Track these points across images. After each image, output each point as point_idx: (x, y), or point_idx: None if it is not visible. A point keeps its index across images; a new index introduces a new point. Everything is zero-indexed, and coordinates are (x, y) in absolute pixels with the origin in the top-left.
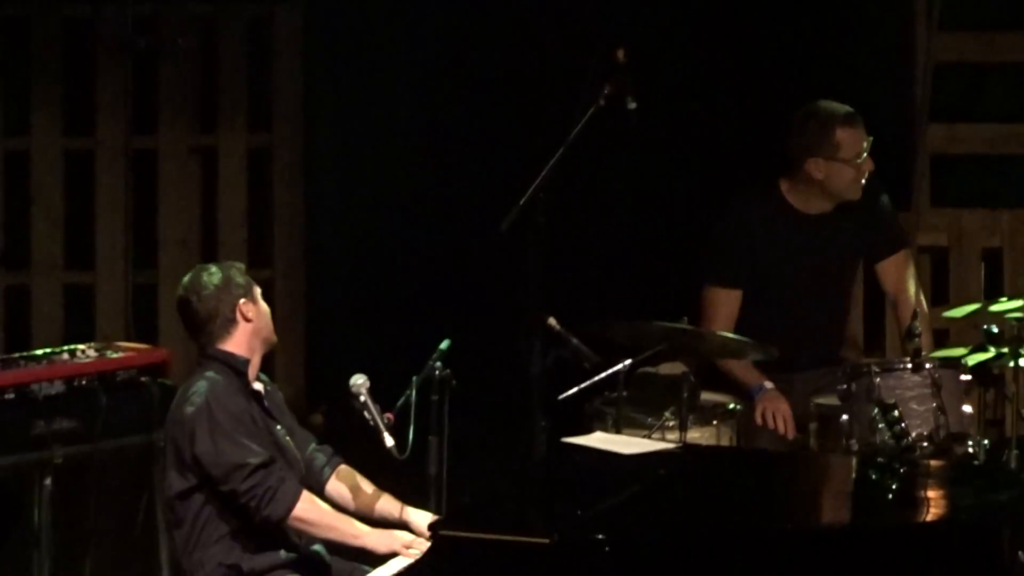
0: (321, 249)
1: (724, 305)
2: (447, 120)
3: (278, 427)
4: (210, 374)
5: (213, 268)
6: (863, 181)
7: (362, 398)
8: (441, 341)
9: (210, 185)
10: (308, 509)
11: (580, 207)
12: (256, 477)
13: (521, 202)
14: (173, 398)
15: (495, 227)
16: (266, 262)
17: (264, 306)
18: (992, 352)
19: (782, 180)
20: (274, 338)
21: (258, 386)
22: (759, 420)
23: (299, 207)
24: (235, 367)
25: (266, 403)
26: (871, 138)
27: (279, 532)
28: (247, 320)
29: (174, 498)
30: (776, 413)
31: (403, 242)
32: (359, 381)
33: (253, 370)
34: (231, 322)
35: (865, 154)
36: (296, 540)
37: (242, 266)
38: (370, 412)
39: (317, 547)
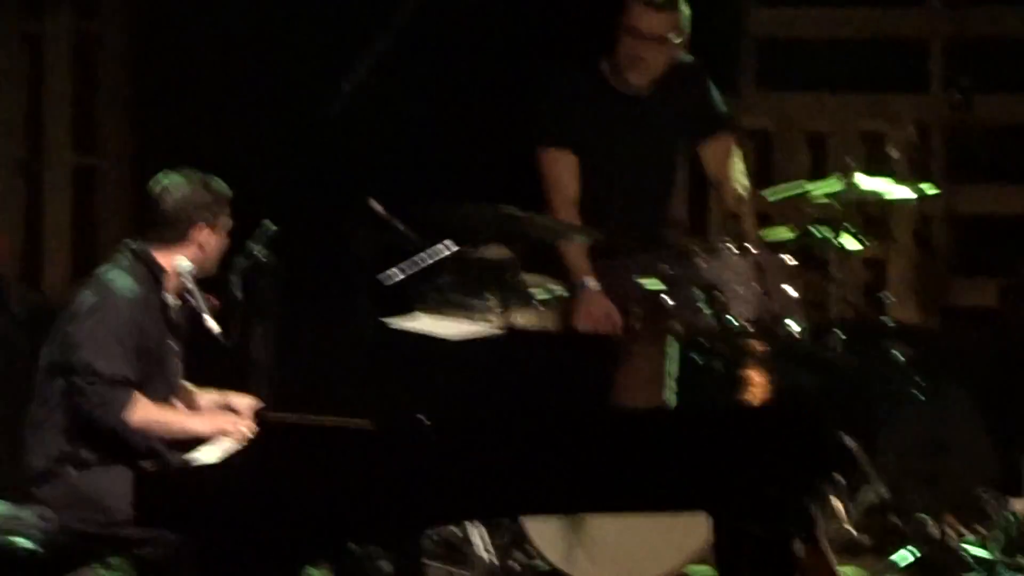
0: (149, 135)
1: (565, 167)
2: (276, 6)
3: (170, 342)
4: (123, 274)
5: (196, 180)
6: (666, 60)
7: (187, 284)
8: (266, 226)
9: (35, 70)
10: (138, 415)
11: (404, 91)
12: (96, 385)
13: (347, 88)
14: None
15: (322, 112)
16: (93, 149)
17: (221, 239)
18: (816, 234)
19: (603, 59)
20: (213, 271)
21: (172, 300)
22: (578, 326)
23: (128, 94)
24: (154, 272)
25: (172, 315)
26: (679, 18)
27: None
28: (197, 246)
29: (43, 369)
30: (595, 324)
31: (231, 126)
32: (184, 266)
33: (170, 282)
34: (181, 238)
35: (668, 35)
36: (137, 439)
37: (226, 192)
38: (194, 298)
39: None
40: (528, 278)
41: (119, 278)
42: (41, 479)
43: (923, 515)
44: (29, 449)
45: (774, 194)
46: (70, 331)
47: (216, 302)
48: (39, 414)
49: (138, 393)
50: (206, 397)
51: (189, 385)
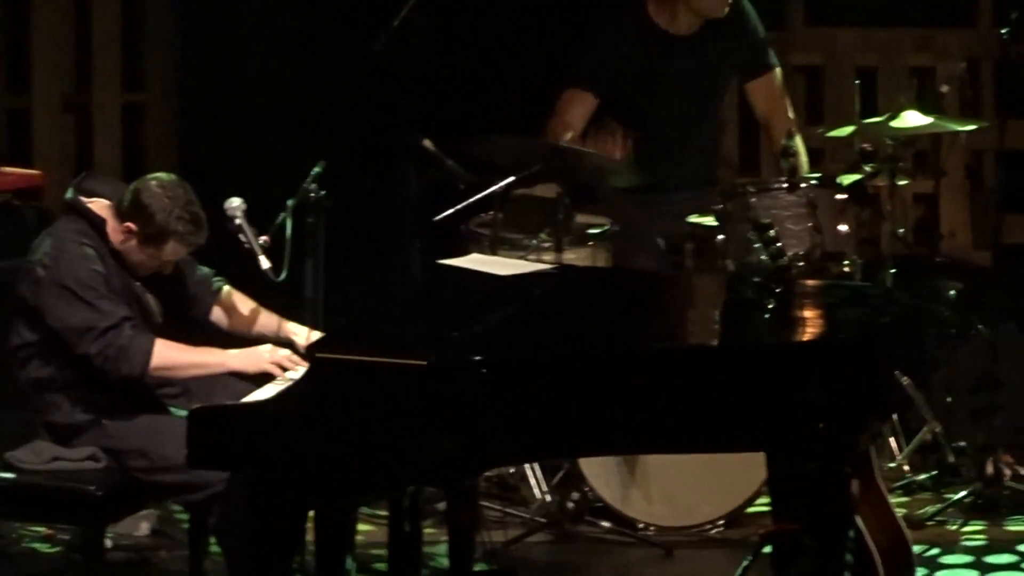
0: (194, 72)
1: (577, 106)
2: None
3: (136, 283)
4: (62, 229)
5: (168, 188)
6: None
7: (237, 221)
8: (316, 163)
9: (83, 8)
10: (164, 355)
11: (455, 25)
12: (107, 338)
13: (395, 22)
14: (47, 222)
15: (369, 47)
16: (140, 85)
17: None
18: (867, 170)
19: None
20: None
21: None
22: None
23: (172, 29)
24: (96, 225)
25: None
26: None
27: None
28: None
29: (21, 347)
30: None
31: (277, 63)
32: (234, 204)
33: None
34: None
35: None
36: (154, 395)
37: (188, 216)
38: (245, 235)
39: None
40: (579, 216)
41: (56, 240)
42: (74, 433)
43: (977, 453)
44: (48, 408)
45: (824, 130)
46: (49, 322)
47: (267, 239)
48: (46, 372)
49: (160, 340)
50: (263, 320)
51: (250, 302)
